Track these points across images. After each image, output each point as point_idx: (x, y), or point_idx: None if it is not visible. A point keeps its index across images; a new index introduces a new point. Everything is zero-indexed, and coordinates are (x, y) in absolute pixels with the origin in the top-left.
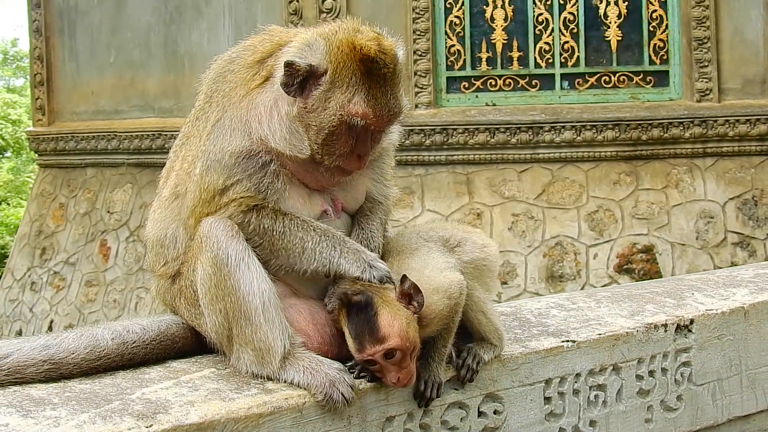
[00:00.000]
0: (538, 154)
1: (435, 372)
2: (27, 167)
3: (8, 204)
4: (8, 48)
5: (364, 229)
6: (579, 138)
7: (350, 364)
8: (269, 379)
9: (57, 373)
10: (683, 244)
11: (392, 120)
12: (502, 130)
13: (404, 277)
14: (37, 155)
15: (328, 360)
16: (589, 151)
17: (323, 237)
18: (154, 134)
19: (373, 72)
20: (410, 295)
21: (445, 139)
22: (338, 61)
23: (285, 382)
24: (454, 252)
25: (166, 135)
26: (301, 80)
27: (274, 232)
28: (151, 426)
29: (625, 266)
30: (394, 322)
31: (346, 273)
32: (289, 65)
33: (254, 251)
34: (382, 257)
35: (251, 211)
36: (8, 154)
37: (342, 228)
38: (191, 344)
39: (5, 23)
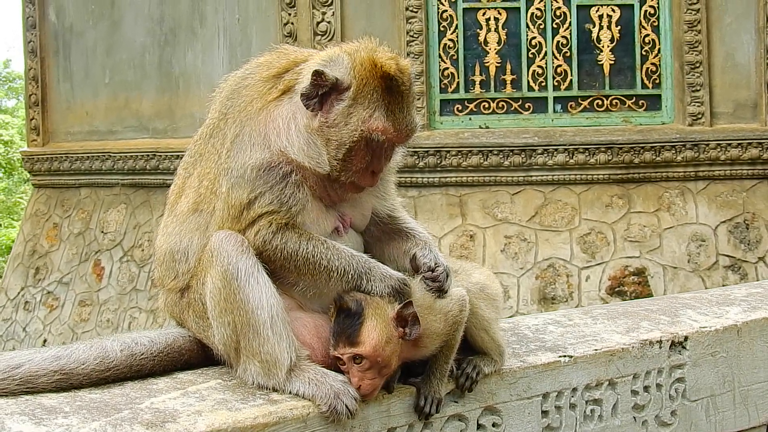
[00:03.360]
0: (531, 176)
1: (435, 388)
2: (18, 188)
3: (0, 224)
4: (1, 69)
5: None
6: (571, 161)
7: None
8: (275, 390)
9: (67, 383)
10: (675, 267)
11: (410, 135)
12: (495, 152)
13: (409, 303)
14: (31, 175)
15: (333, 372)
16: (581, 174)
17: (350, 264)
18: (148, 155)
19: (393, 89)
20: (407, 320)
21: (439, 161)
22: (361, 78)
23: (290, 393)
24: (461, 274)
25: (160, 156)
26: (322, 93)
27: (298, 256)
28: None
29: (617, 288)
30: (374, 334)
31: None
32: (318, 74)
33: (265, 267)
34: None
35: (279, 232)
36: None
37: (350, 244)
38: (197, 356)
39: None
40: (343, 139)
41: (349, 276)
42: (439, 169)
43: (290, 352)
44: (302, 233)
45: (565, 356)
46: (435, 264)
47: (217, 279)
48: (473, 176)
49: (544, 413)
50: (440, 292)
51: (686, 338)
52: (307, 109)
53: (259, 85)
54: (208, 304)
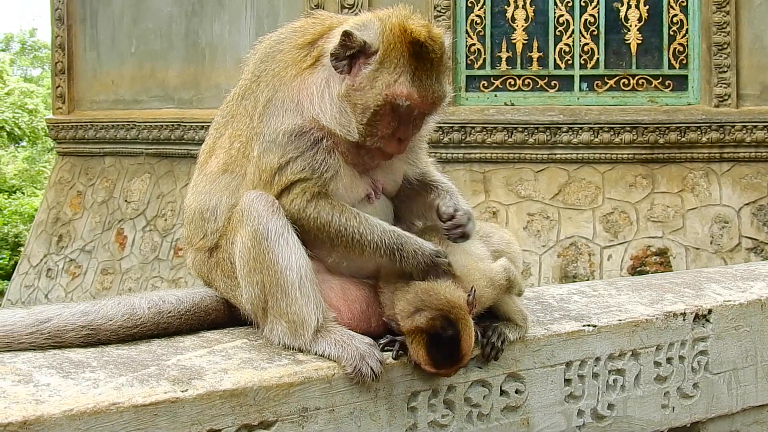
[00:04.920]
0: (555, 154)
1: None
2: (42, 157)
3: (23, 193)
4: (26, 38)
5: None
6: (596, 140)
7: (383, 342)
8: (300, 350)
9: (95, 338)
10: (697, 248)
11: (435, 103)
12: (520, 129)
13: (473, 290)
14: (55, 143)
15: (359, 335)
16: (606, 153)
17: (381, 240)
18: (173, 125)
19: (421, 56)
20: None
21: (463, 137)
22: (389, 43)
23: (316, 354)
24: (482, 241)
25: (185, 126)
26: (351, 55)
27: (331, 227)
28: (186, 390)
29: (639, 268)
30: (471, 341)
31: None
32: (346, 35)
33: (294, 228)
34: (429, 238)
35: (312, 201)
36: (24, 143)
37: (382, 210)
38: (224, 316)
39: (24, 13)
40: (368, 103)
41: (382, 251)
42: (463, 145)
43: (317, 313)
44: (335, 204)
45: (589, 326)
46: (455, 210)
47: (246, 238)
48: (497, 153)
49: (567, 381)
50: (464, 237)
51: (710, 311)
52: (335, 70)
53: (294, 51)
54: (237, 263)
